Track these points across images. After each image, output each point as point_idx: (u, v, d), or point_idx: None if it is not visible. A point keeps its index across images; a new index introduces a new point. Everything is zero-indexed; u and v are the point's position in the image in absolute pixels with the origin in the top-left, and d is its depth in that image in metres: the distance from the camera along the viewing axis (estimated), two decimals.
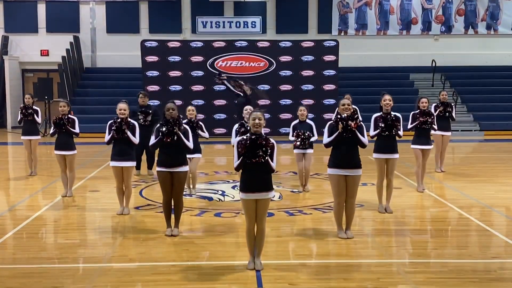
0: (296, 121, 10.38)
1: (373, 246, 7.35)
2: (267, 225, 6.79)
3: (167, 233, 7.69)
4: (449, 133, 12.35)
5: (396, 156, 8.77)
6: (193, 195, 10.17)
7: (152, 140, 7.60)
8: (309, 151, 10.30)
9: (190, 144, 7.65)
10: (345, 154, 7.33)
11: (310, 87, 20.78)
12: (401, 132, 8.73)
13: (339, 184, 7.38)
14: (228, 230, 8.06)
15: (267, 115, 21.33)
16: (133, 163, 8.90)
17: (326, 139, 7.43)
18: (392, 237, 7.86)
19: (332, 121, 7.44)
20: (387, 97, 8.66)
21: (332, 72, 20.86)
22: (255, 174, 6.20)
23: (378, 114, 8.71)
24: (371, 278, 6.15)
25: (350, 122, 7.27)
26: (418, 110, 10.24)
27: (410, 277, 6.15)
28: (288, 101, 20.78)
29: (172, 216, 7.74)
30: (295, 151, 10.35)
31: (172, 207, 7.74)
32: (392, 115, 8.60)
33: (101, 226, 8.47)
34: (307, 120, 10.34)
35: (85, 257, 6.93)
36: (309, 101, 20.71)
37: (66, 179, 10.11)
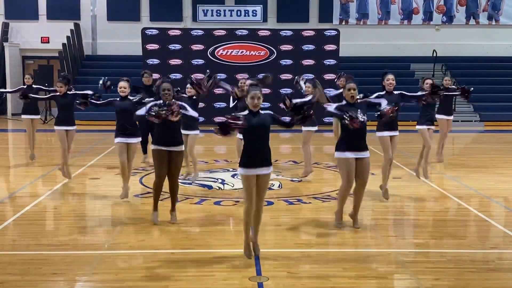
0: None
1: (371, 236, 7.36)
2: (266, 214, 6.81)
3: (154, 218, 7.59)
4: (451, 117, 12.37)
5: (398, 133, 8.86)
6: (192, 183, 10.17)
7: (142, 111, 7.40)
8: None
9: (193, 112, 7.59)
10: (355, 137, 7.22)
11: (310, 76, 20.73)
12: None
13: (349, 168, 7.26)
14: (227, 219, 8.08)
15: (267, 104, 21.31)
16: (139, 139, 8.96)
17: (332, 108, 7.37)
18: (390, 226, 7.88)
19: (343, 105, 7.30)
20: (390, 76, 8.65)
21: (332, 61, 20.82)
22: (256, 150, 6.24)
23: (381, 93, 8.67)
24: (370, 267, 6.16)
25: (354, 120, 7.15)
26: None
27: (409, 267, 6.15)
28: (289, 90, 20.71)
29: (161, 201, 7.75)
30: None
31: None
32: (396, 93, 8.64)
33: (101, 213, 8.49)
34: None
35: (85, 244, 6.94)
36: None
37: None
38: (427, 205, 9.09)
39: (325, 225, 7.70)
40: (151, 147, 7.70)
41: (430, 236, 7.39)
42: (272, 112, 6.39)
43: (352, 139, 7.22)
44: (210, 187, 10.07)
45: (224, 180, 10.53)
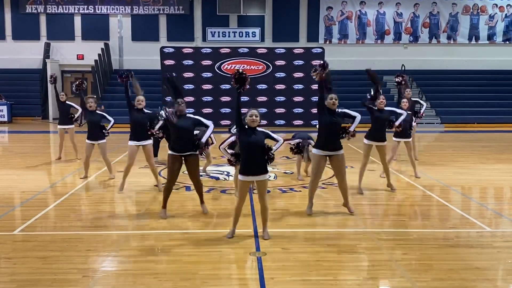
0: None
1: (351, 218, 7.35)
2: None
3: (162, 215, 7.16)
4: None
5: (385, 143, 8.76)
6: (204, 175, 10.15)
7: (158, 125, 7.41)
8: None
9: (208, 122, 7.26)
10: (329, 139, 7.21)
11: (300, 86, 20.76)
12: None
13: (319, 164, 7.25)
14: (231, 204, 8.05)
15: (263, 110, 21.14)
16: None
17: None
18: (366, 210, 7.86)
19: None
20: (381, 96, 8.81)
21: None
22: (253, 160, 6.09)
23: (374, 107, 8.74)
24: (350, 244, 6.16)
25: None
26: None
27: (382, 243, 6.16)
28: (282, 98, 20.78)
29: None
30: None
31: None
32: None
33: (127, 200, 8.47)
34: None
35: (113, 226, 6.95)
36: (300, 98, 20.72)
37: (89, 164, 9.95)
38: (397, 193, 9.08)
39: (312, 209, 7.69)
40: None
41: (399, 218, 7.39)
42: (266, 131, 6.22)
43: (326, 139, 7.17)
44: (217, 178, 10.06)
45: (229, 173, 10.52)
